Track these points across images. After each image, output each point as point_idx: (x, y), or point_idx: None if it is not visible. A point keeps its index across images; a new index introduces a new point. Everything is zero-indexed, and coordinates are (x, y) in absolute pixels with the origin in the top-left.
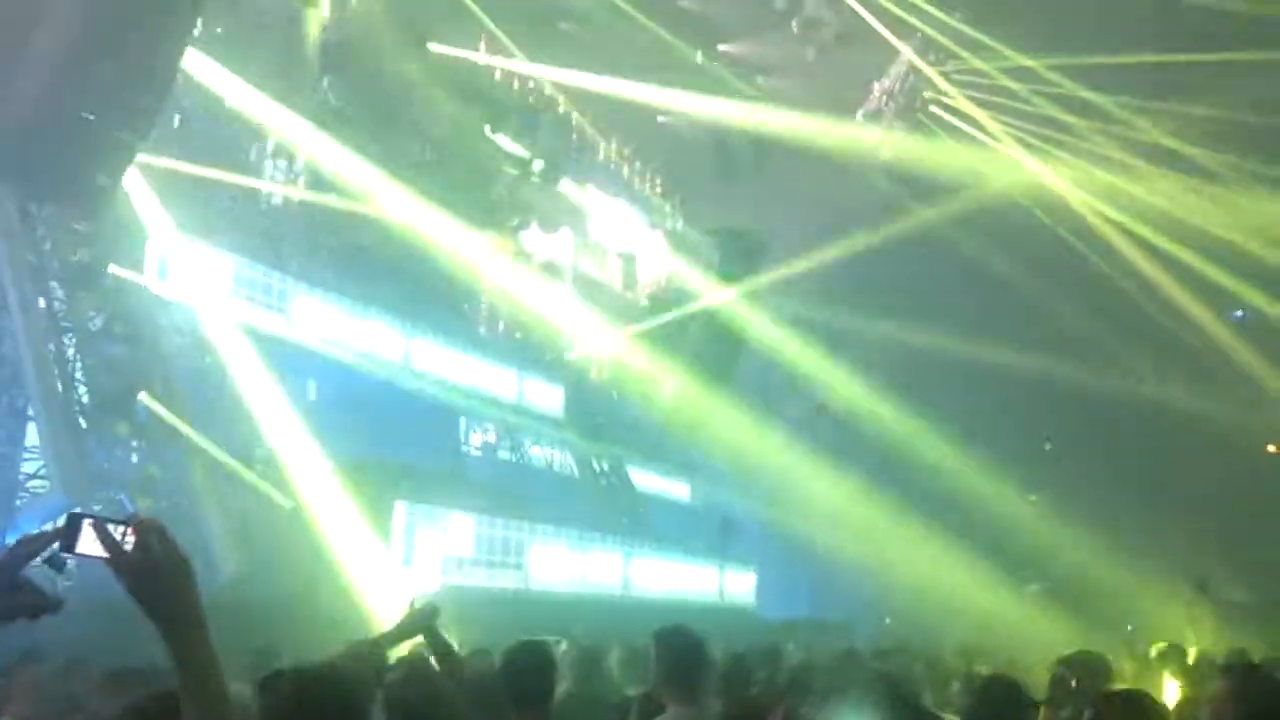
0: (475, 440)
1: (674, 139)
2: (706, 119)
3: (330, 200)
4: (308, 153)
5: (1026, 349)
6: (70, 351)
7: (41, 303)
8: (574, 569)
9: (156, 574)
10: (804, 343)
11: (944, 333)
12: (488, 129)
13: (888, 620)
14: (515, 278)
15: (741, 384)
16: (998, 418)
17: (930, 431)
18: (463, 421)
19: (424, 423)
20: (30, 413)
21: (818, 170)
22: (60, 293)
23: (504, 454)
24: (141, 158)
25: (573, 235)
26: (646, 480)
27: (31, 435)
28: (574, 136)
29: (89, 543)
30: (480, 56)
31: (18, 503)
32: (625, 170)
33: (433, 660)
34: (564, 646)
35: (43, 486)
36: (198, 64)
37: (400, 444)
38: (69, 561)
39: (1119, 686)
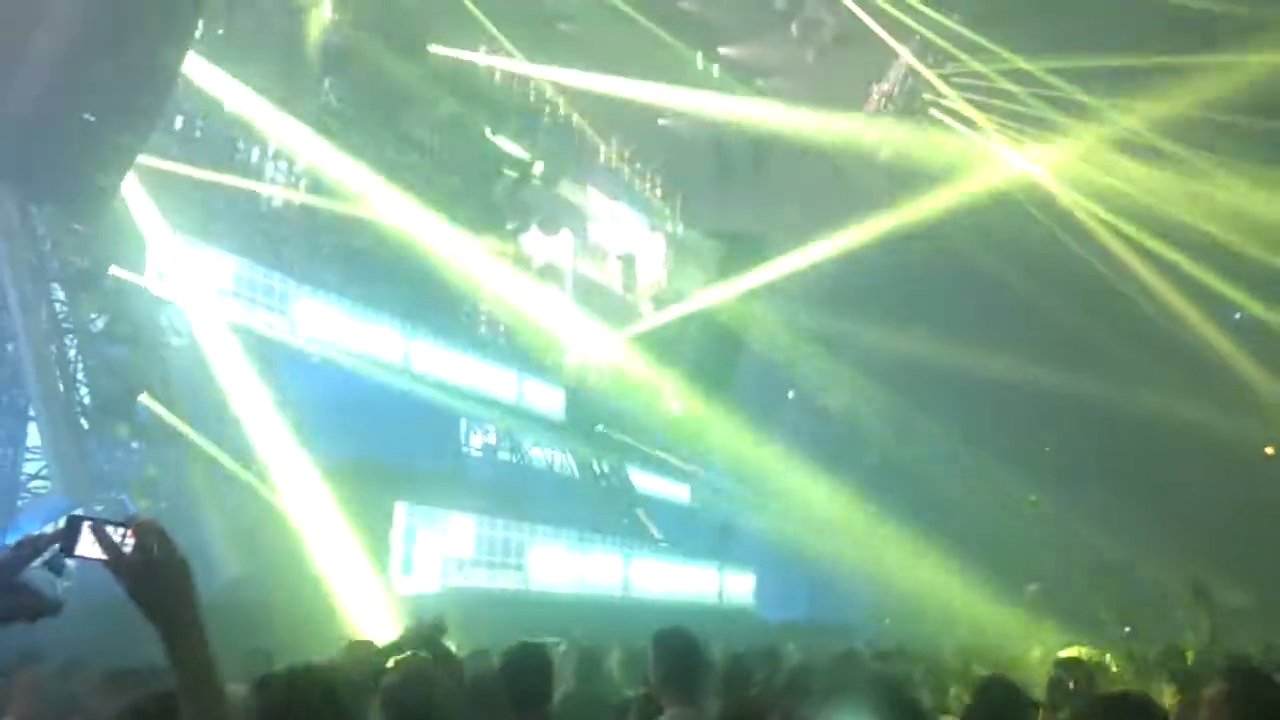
0: (475, 442)
1: (674, 141)
2: (706, 121)
3: (331, 203)
4: (308, 155)
5: (1026, 352)
6: (71, 353)
7: (42, 304)
8: (574, 570)
9: (155, 576)
10: (803, 345)
11: (943, 335)
12: (488, 131)
13: (887, 622)
14: (515, 280)
15: (741, 386)
16: (997, 420)
17: (929, 432)
18: (463, 423)
19: (424, 424)
20: (31, 413)
21: (817, 173)
22: (61, 294)
23: (504, 455)
24: (142, 159)
25: (572, 237)
26: (646, 482)
27: (33, 436)
28: (574, 139)
29: (88, 545)
30: (481, 58)
31: (19, 503)
32: (625, 172)
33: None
34: (563, 648)
35: (44, 487)
36: (198, 66)
37: (401, 445)
38: (68, 563)
39: (1116, 689)
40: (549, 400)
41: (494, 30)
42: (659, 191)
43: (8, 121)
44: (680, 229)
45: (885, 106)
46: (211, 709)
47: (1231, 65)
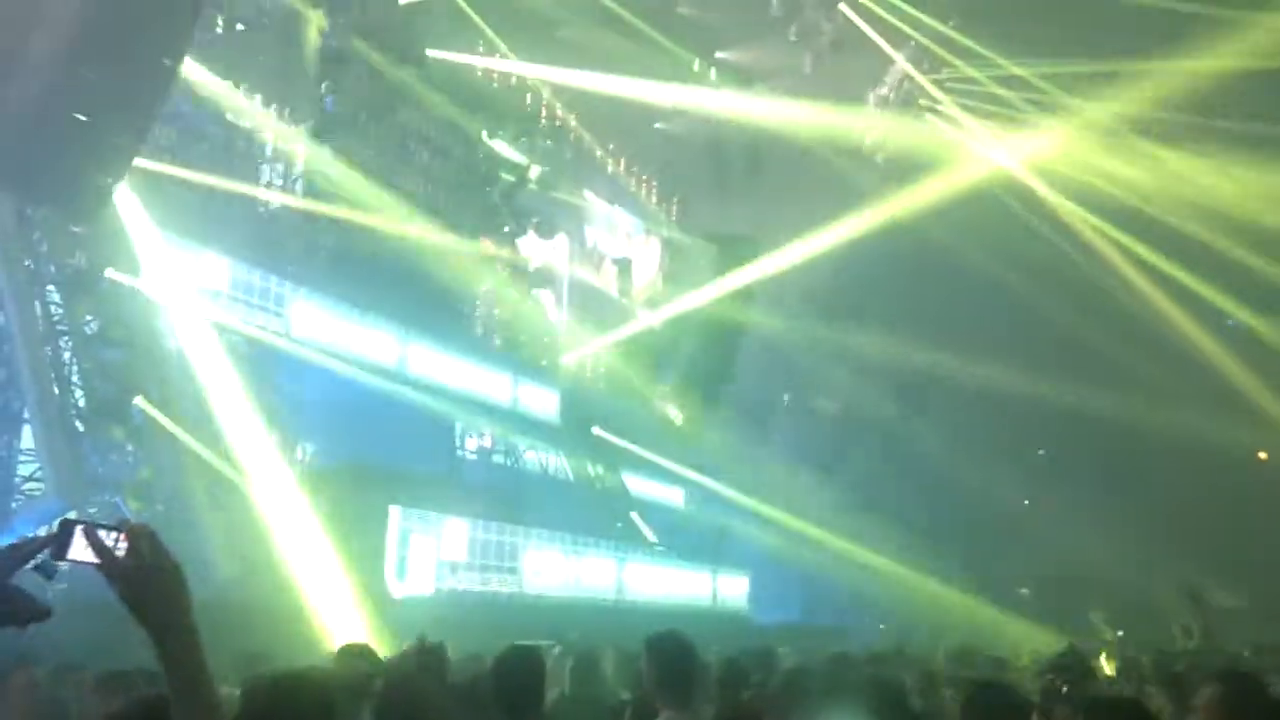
0: (470, 445)
1: (670, 145)
2: (703, 125)
3: (327, 206)
4: (305, 158)
5: (1020, 357)
6: (66, 355)
7: (38, 306)
8: (568, 573)
9: (148, 580)
10: (799, 348)
11: (937, 339)
12: (485, 135)
13: (881, 626)
14: (511, 283)
15: (736, 389)
16: (990, 423)
17: (922, 436)
18: (458, 426)
19: (419, 427)
20: (26, 416)
21: (814, 176)
22: (56, 296)
23: (499, 459)
24: (139, 162)
25: (569, 241)
26: (641, 485)
27: (27, 438)
28: (571, 143)
29: (81, 549)
30: (478, 60)
31: (13, 505)
32: (622, 177)
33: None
34: (557, 651)
35: (38, 489)
36: (196, 68)
37: (395, 449)
38: (62, 567)
39: (1109, 692)
40: (544, 404)
41: (491, 35)
42: (655, 195)
43: (4, 123)
44: (677, 233)
45: (881, 111)
46: (203, 713)
47: (1220, 64)
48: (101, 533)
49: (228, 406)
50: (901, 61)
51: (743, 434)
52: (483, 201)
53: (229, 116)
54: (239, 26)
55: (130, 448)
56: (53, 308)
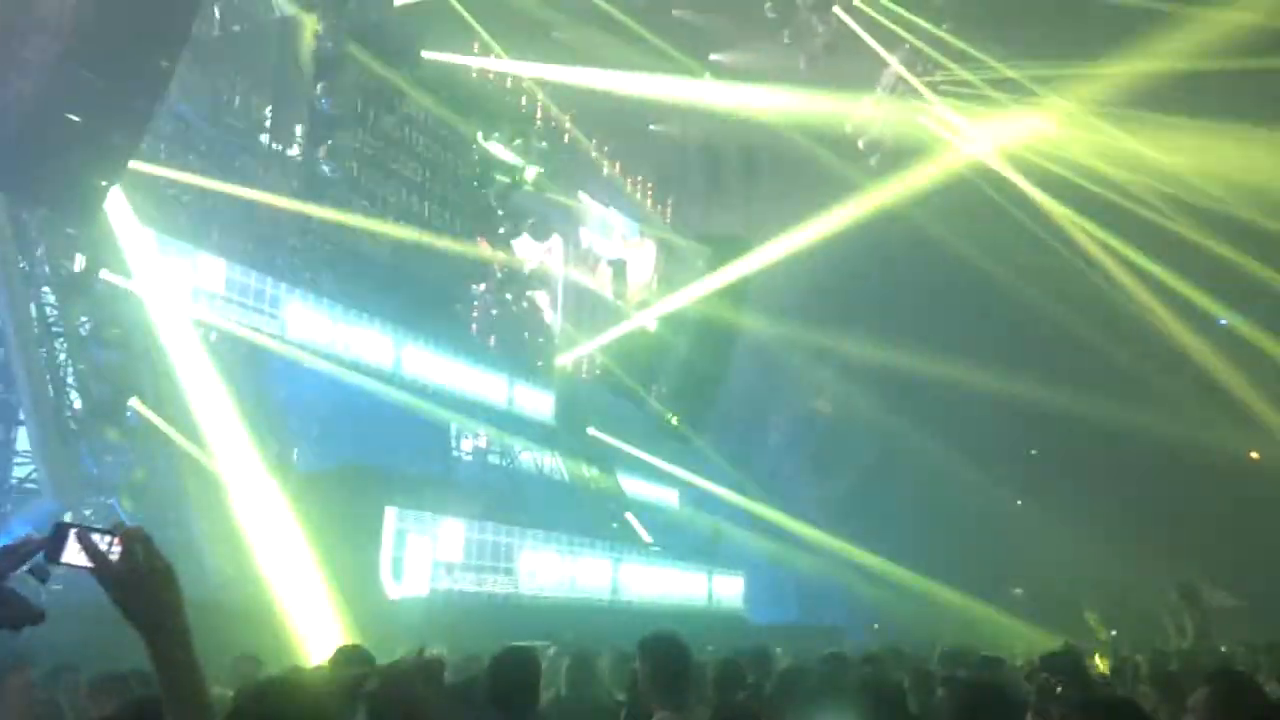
0: (466, 446)
1: (666, 147)
2: (698, 128)
3: (323, 206)
4: (300, 159)
5: (1013, 357)
6: (61, 357)
7: (33, 308)
8: (564, 574)
9: (141, 584)
10: (793, 349)
11: (932, 338)
12: (480, 137)
13: (875, 626)
14: (506, 285)
15: (731, 389)
16: (982, 424)
17: (916, 436)
18: (453, 427)
19: (415, 428)
20: (20, 417)
21: (808, 178)
22: (52, 298)
23: (494, 460)
24: (134, 163)
25: (564, 243)
26: (636, 486)
27: (22, 440)
28: (566, 144)
29: (74, 552)
30: (473, 60)
31: (9, 507)
32: (617, 178)
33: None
34: (552, 651)
35: (33, 490)
36: (192, 69)
37: (391, 450)
38: (54, 570)
39: (1104, 692)
40: (539, 405)
41: (486, 37)
42: (650, 197)
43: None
44: (672, 235)
45: (876, 113)
46: (196, 714)
47: (1230, 73)
48: (95, 537)
49: (222, 408)
50: (895, 64)
51: (737, 434)
52: (477, 203)
53: (224, 118)
54: (234, 28)
55: (125, 449)
56: (48, 309)
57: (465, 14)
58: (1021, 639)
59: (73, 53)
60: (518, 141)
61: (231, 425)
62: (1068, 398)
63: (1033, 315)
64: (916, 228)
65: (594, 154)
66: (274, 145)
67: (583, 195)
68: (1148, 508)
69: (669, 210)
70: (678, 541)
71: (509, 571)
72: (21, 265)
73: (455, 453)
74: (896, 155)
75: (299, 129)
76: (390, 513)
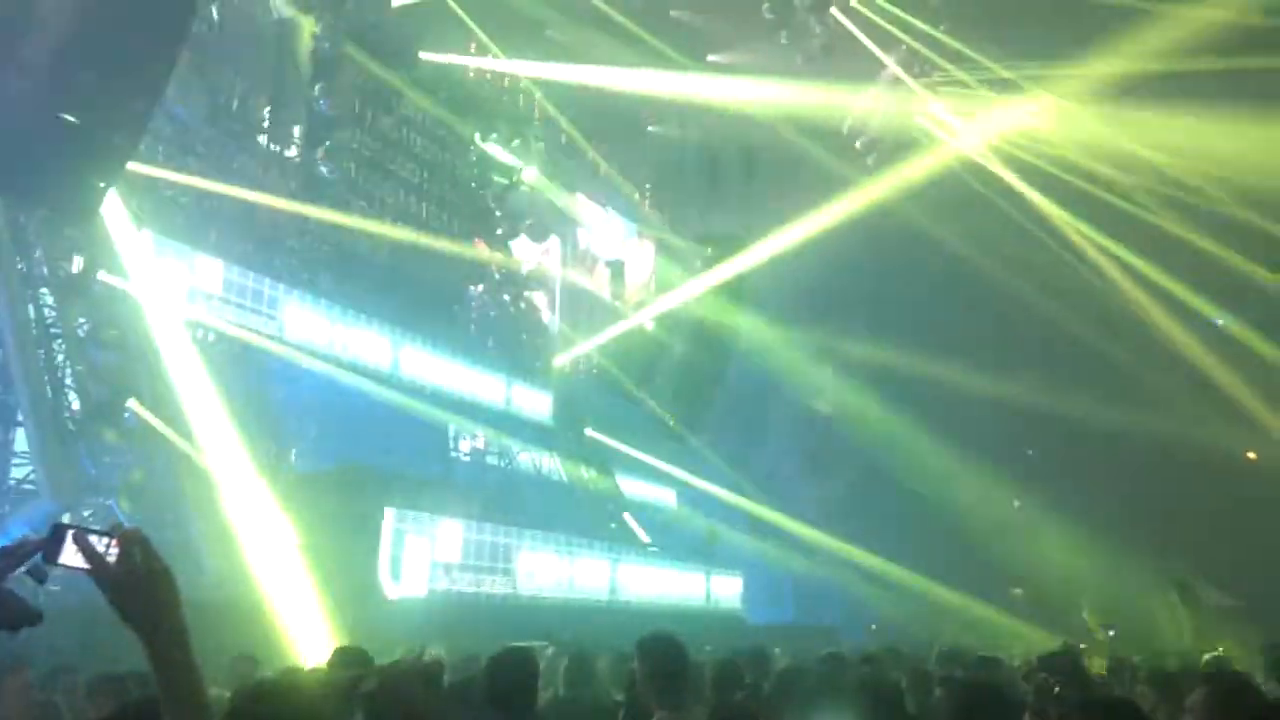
0: (464, 447)
1: (663, 147)
2: (696, 128)
3: (321, 208)
4: (298, 160)
5: (1011, 358)
6: (60, 358)
7: (31, 309)
8: (562, 574)
9: (138, 586)
10: (791, 349)
11: (929, 338)
12: (478, 138)
13: (873, 626)
14: (504, 286)
15: (728, 389)
16: (983, 423)
17: (914, 436)
18: (451, 428)
19: (413, 429)
20: (19, 418)
21: (805, 179)
22: (50, 299)
23: (492, 460)
24: (132, 165)
25: (561, 244)
26: (633, 486)
27: (20, 441)
28: (563, 145)
29: (71, 554)
30: (471, 60)
31: (6, 508)
32: (614, 179)
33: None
34: (550, 650)
35: (31, 491)
36: (190, 70)
37: (389, 451)
38: (51, 571)
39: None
40: (537, 405)
41: (483, 38)
42: (648, 198)
43: None
44: (669, 235)
45: (873, 114)
46: (194, 715)
47: (1228, 73)
48: (93, 539)
49: (220, 409)
50: (892, 65)
51: (735, 434)
52: (475, 204)
53: (222, 119)
54: (232, 29)
55: (123, 450)
56: (46, 310)
57: (463, 15)
58: (1020, 639)
59: (71, 54)
60: (515, 142)
61: (229, 426)
62: (1067, 398)
63: (1033, 315)
64: (914, 227)
65: (591, 155)
66: (272, 146)
67: (580, 196)
68: (1147, 507)
69: (667, 210)
70: (675, 542)
71: (507, 572)
72: (20, 266)
73: (453, 453)
74: (893, 155)
75: (297, 130)
76: (389, 513)
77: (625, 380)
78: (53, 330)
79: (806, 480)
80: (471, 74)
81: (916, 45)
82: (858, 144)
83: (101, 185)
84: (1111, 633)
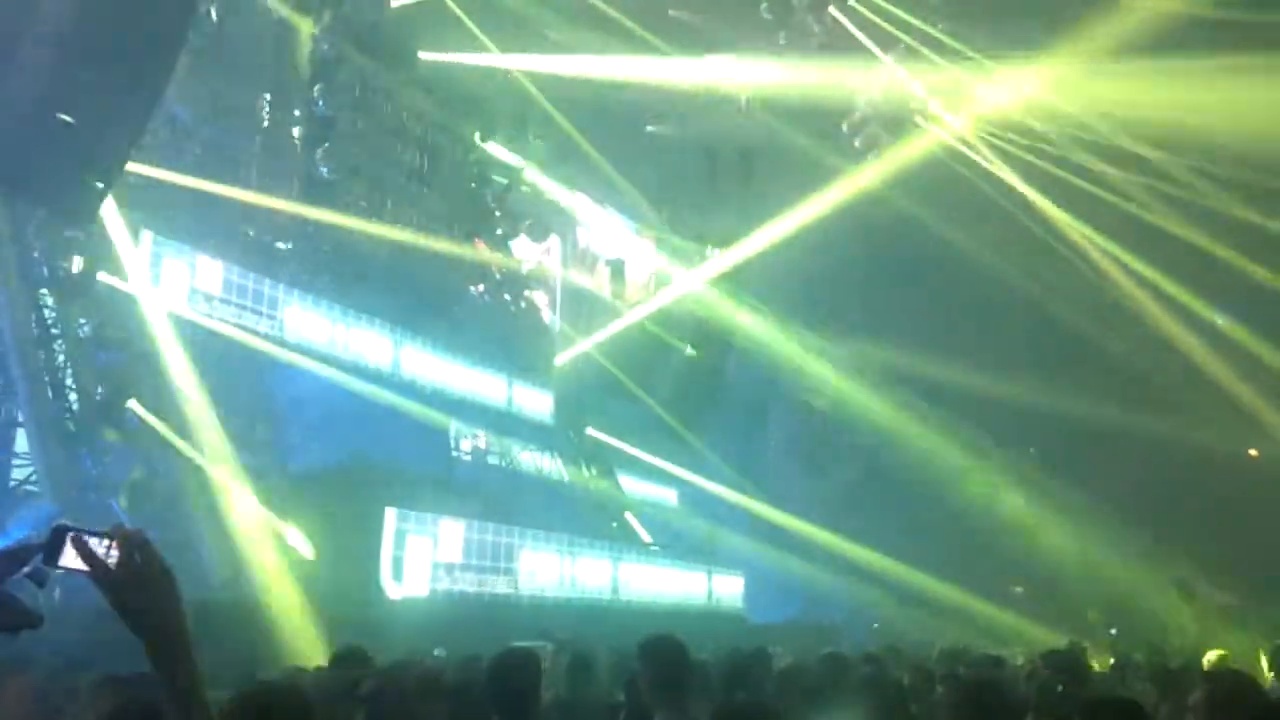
0: (465, 446)
1: (663, 147)
2: (695, 128)
3: (321, 208)
4: (297, 161)
5: (1014, 356)
6: (60, 359)
7: (31, 310)
8: (563, 574)
9: (139, 588)
10: (792, 347)
11: (932, 337)
12: (477, 137)
13: (875, 625)
14: (504, 285)
15: (729, 388)
16: (985, 421)
17: (915, 435)
18: (452, 428)
19: (414, 429)
20: (20, 419)
21: (804, 178)
22: (50, 300)
23: (494, 460)
24: (131, 165)
25: (561, 243)
26: (635, 485)
27: (21, 442)
28: (563, 145)
29: (72, 556)
30: (470, 59)
31: (7, 508)
32: (614, 178)
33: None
34: (550, 649)
35: (33, 492)
36: (189, 71)
37: (390, 451)
38: (52, 574)
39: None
40: (538, 405)
41: (483, 38)
42: (647, 197)
43: None
44: (669, 234)
45: (871, 115)
46: (196, 717)
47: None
48: (93, 541)
49: (221, 410)
50: (890, 64)
51: (736, 433)
52: (475, 204)
53: (222, 120)
54: (231, 30)
55: (124, 450)
56: (46, 311)
57: (462, 15)
58: (1022, 637)
59: (70, 55)
60: (515, 142)
61: (230, 427)
62: (1069, 396)
63: (1036, 314)
64: (915, 225)
65: (591, 154)
66: (272, 147)
67: (580, 195)
68: (1149, 506)
69: (667, 209)
70: (677, 541)
71: (509, 572)
72: (20, 267)
73: (454, 453)
74: (891, 150)
75: (296, 131)
76: (390, 513)
77: (626, 379)
78: (53, 331)
79: (808, 478)
80: (471, 74)
81: (915, 44)
82: (856, 143)
83: (101, 186)
84: (1114, 631)
